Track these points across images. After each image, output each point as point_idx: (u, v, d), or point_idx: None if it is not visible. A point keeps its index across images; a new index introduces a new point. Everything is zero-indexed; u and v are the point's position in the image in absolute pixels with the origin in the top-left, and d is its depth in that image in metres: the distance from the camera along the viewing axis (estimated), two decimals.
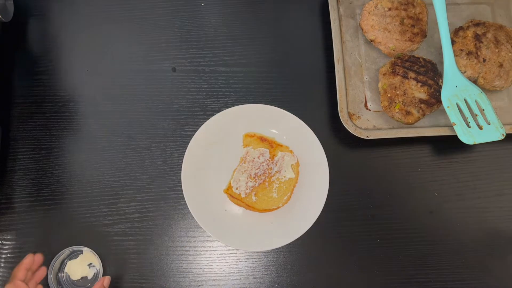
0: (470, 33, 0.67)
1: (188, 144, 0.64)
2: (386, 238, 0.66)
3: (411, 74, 0.65)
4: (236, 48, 0.73)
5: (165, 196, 0.67)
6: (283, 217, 0.64)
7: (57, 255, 0.62)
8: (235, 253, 0.65)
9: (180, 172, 0.63)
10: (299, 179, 0.64)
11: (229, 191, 0.63)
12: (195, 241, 0.66)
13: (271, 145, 0.65)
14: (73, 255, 0.64)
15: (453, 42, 0.68)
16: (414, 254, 0.66)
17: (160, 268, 0.65)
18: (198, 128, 0.64)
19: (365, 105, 0.69)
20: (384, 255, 0.65)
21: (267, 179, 0.64)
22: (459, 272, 0.65)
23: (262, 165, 0.63)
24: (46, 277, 0.60)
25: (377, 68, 0.70)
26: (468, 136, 0.64)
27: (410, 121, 0.65)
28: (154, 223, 0.66)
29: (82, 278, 0.64)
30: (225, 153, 0.66)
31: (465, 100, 0.66)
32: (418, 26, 0.68)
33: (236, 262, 0.65)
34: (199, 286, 0.64)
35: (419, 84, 0.65)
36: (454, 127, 0.65)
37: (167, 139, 0.69)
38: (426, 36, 0.69)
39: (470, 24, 0.69)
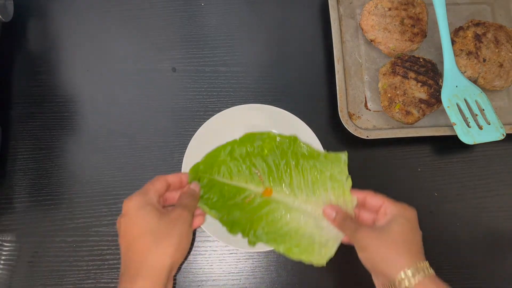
0: (470, 33, 0.67)
1: (188, 144, 0.64)
2: None
3: (411, 74, 0.65)
4: (236, 48, 0.73)
5: None
6: None
7: None
8: (235, 253, 0.65)
9: (180, 172, 0.63)
10: None
11: None
12: (195, 241, 0.66)
13: None
14: None
15: (453, 42, 0.68)
16: None
17: None
18: (198, 128, 0.64)
19: (365, 105, 0.69)
20: None
21: None
22: (459, 272, 0.65)
23: None
24: None
25: (377, 68, 0.70)
26: (468, 136, 0.64)
27: (410, 121, 0.65)
28: None
29: None
30: None
31: (465, 100, 0.66)
32: (418, 26, 0.68)
33: (236, 262, 0.65)
34: (199, 286, 0.64)
35: (419, 84, 0.65)
36: (454, 127, 0.65)
37: (167, 139, 0.69)
38: (426, 36, 0.69)
39: (470, 24, 0.69)
